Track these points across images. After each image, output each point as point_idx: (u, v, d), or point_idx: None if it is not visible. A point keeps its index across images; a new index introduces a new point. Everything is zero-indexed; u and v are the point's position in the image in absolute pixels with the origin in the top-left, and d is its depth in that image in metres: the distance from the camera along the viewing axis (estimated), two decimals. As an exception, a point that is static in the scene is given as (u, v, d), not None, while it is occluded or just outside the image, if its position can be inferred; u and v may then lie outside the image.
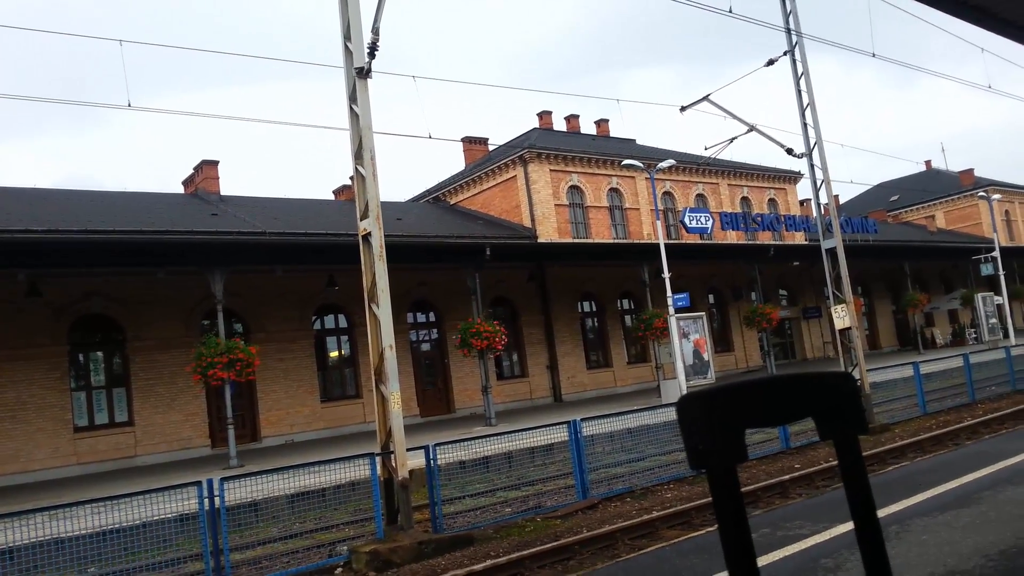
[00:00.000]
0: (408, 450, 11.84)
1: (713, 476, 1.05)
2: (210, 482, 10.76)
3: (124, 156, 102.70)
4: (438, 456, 12.61)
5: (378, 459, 11.91)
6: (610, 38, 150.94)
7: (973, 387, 22.54)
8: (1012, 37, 7.75)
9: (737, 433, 1.06)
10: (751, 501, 12.30)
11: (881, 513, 9.30)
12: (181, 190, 32.63)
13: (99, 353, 24.67)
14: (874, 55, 21.53)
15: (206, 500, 10.60)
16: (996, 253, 40.32)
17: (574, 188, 36.12)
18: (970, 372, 22.71)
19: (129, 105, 16.29)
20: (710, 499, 1.08)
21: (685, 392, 1.13)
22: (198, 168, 31.68)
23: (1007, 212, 60.56)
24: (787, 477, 13.35)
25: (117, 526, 10.43)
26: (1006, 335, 39.51)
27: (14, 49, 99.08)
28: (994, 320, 40.60)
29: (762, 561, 7.76)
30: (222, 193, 30.68)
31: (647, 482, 14.36)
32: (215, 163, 31.51)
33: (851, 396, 1.17)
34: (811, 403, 1.16)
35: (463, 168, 41.13)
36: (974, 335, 44.68)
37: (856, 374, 19.73)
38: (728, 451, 1.05)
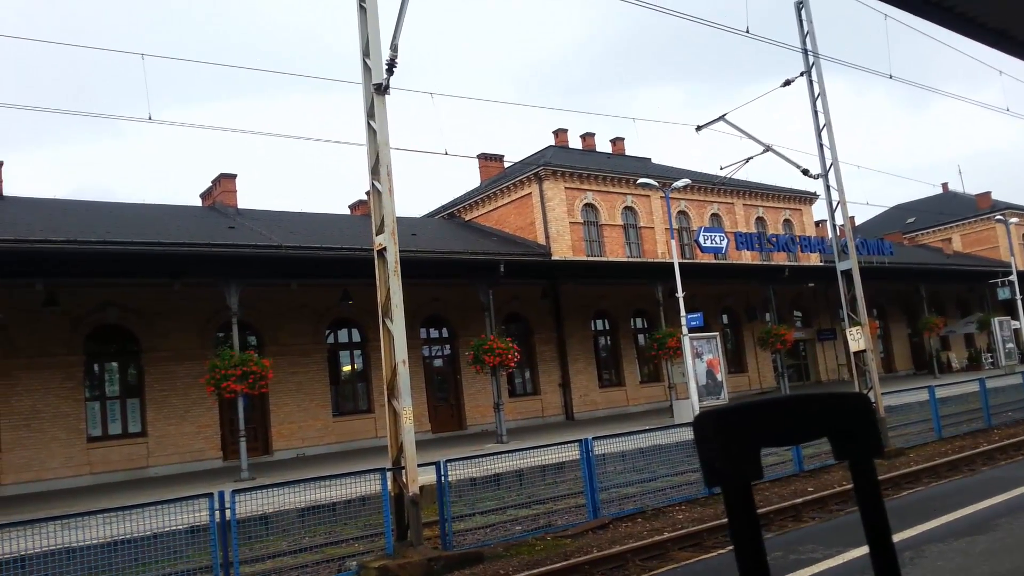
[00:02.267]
0: (419, 466, 11.83)
1: (729, 494, 1.04)
2: (221, 494, 10.77)
3: (142, 168, 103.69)
4: (449, 472, 12.58)
5: (389, 474, 11.90)
6: (625, 55, 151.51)
7: (989, 412, 22.33)
8: (1032, 60, 7.73)
9: (753, 451, 1.05)
10: (764, 524, 12.21)
11: (895, 538, 9.19)
12: (199, 203, 32.88)
13: (114, 363, 24.82)
14: (891, 76, 21.51)
15: (217, 512, 10.61)
16: (1013, 277, 40.04)
17: (589, 206, 36.17)
18: (986, 397, 22.49)
19: (150, 118, 16.49)
20: (723, 521, 1.08)
21: (700, 411, 1.13)
22: (216, 181, 31.94)
23: (1024, 236, 60.15)
24: (800, 500, 13.25)
25: (128, 536, 10.47)
26: (1023, 360, 39.15)
27: (36, 60, 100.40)
28: (1011, 345, 40.27)
29: (774, 585, 7.71)
30: (239, 206, 30.89)
31: (659, 502, 14.27)
32: (233, 176, 31.76)
33: (867, 418, 1.16)
34: (827, 424, 1.16)
35: (478, 184, 41.28)
36: (991, 360, 44.29)
37: (871, 397, 19.59)
38: (744, 469, 1.04)
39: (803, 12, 20.77)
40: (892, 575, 1.14)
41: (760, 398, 1.14)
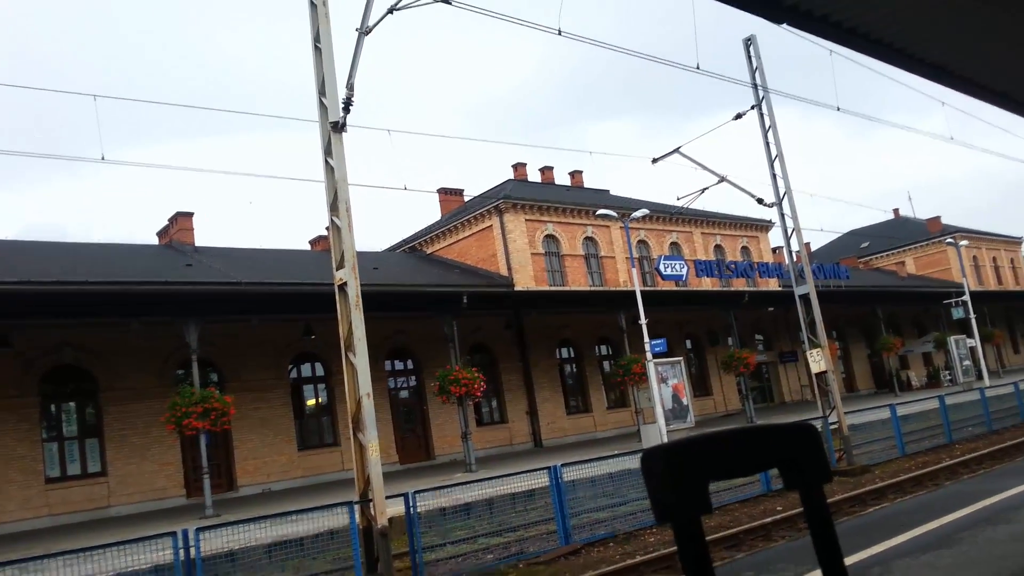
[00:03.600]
0: (387, 497, 11.72)
1: (678, 528, 1.05)
2: (185, 532, 10.58)
3: (97, 207, 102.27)
4: (418, 503, 12.50)
5: (357, 507, 11.78)
6: (578, 90, 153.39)
7: (950, 428, 22.73)
8: (969, 93, 8.02)
9: (701, 485, 1.06)
10: (734, 544, 12.26)
11: (863, 555, 9.34)
12: (156, 241, 32.47)
13: (71, 404, 24.27)
14: (838, 108, 22.05)
15: (181, 551, 10.41)
16: (966, 297, 40.95)
17: (550, 237, 36.38)
18: (946, 414, 22.91)
19: (103, 158, 16.39)
20: None
21: (649, 443, 1.12)
22: (172, 219, 31.57)
23: (975, 257, 61.68)
24: (769, 520, 13.34)
25: (90, 579, 10.19)
26: (980, 377, 39.95)
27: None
28: (968, 362, 41.08)
29: (747, 602, 7.74)
30: (197, 244, 30.56)
31: (630, 526, 14.27)
32: (190, 215, 31.42)
33: (815, 447, 1.18)
34: (775, 454, 1.17)
35: (439, 219, 41.33)
36: (949, 377, 45.12)
37: (834, 416, 19.85)
38: (692, 503, 1.05)
39: (751, 48, 21.31)
40: None
41: (707, 432, 1.14)
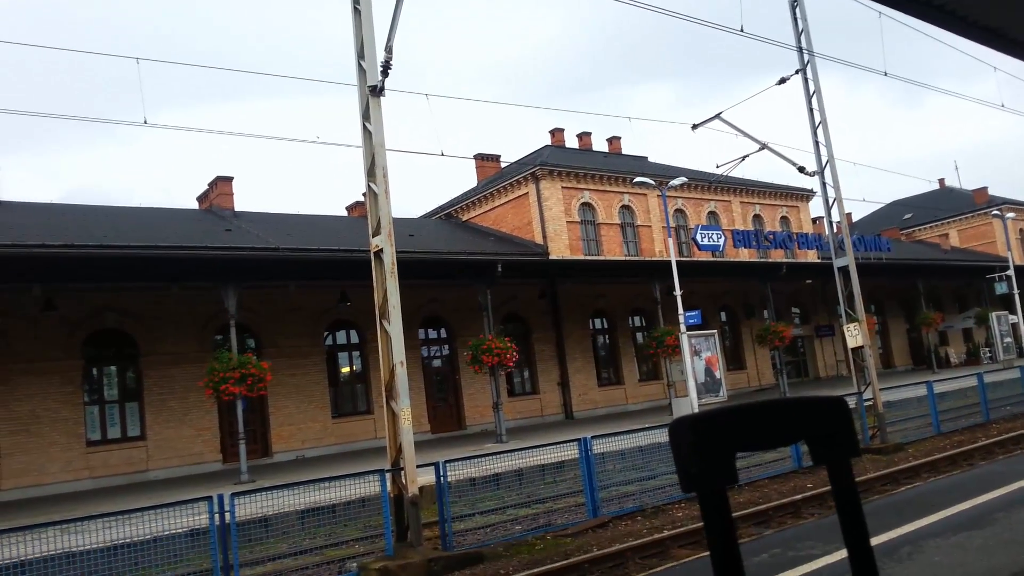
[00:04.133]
0: (418, 467, 11.84)
1: (703, 499, 1.05)
2: (220, 497, 10.77)
3: (138, 171, 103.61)
4: (448, 473, 12.59)
5: (388, 476, 11.91)
6: (617, 53, 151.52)
7: (988, 407, 22.36)
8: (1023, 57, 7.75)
9: (728, 456, 1.06)
10: (763, 521, 12.23)
11: (894, 534, 9.27)
12: (196, 206, 32.85)
13: (112, 367, 24.81)
14: (886, 74, 21.58)
15: (216, 515, 10.61)
16: (1011, 272, 40.10)
17: (586, 205, 36.19)
18: (984, 391, 22.53)
19: (145, 122, 16.51)
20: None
21: (680, 415, 1.15)
22: (212, 184, 31.91)
23: (1021, 231, 60.22)
24: (799, 497, 13.26)
25: (128, 541, 10.45)
26: (1021, 354, 39.23)
27: (31, 65, 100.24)
28: (1009, 339, 40.34)
29: (773, 582, 7.73)
30: (236, 209, 30.87)
31: (658, 500, 14.28)
32: (229, 179, 31.73)
33: (844, 421, 1.17)
34: (804, 428, 1.17)
35: (475, 185, 41.28)
36: (989, 354, 44.36)
37: (869, 393, 19.63)
38: (718, 474, 1.05)
39: (797, 10, 20.81)
40: (869, 572, 1.15)
41: (736, 403, 1.15)
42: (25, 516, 15.14)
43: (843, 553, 1.16)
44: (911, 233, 61.67)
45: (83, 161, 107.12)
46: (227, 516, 10.68)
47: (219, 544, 10.49)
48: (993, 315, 40.30)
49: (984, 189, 62.57)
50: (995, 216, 49.45)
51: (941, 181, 67.86)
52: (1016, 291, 40.04)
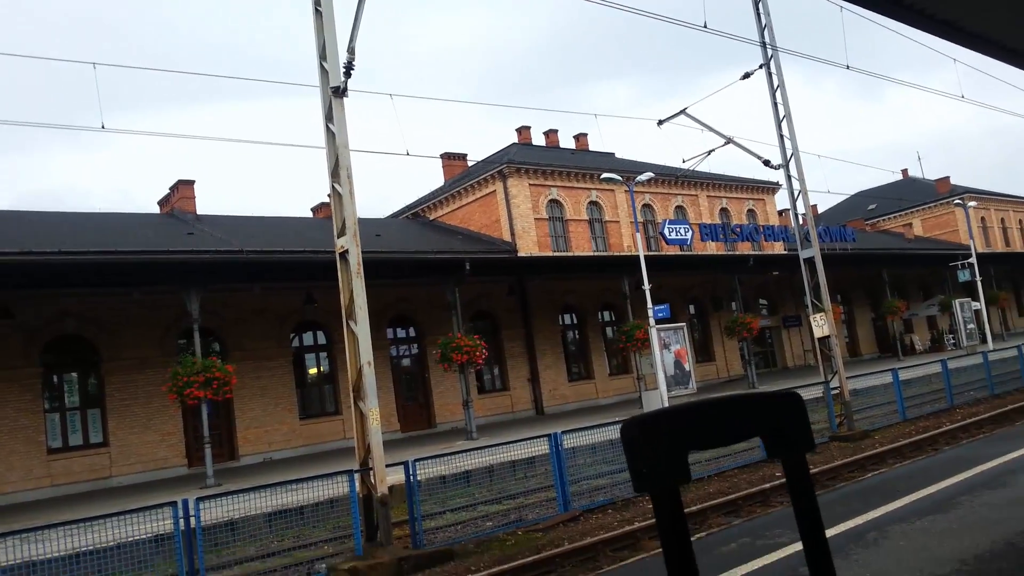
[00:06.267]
0: (388, 466, 11.75)
1: (656, 499, 1.05)
2: (185, 502, 10.61)
3: (96, 175, 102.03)
4: (418, 471, 12.52)
5: (357, 476, 11.81)
6: (581, 51, 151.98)
7: (952, 392, 22.68)
8: (981, 50, 7.83)
9: (680, 455, 1.06)
10: (732, 510, 12.28)
11: (860, 519, 9.33)
12: (157, 210, 32.40)
13: (73, 374, 24.35)
14: (848, 67, 21.75)
15: (181, 520, 10.45)
16: (973, 259, 40.75)
17: (554, 202, 36.20)
18: (948, 378, 22.85)
19: (103, 127, 16.26)
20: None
21: (649, 408, 1.13)
22: (174, 188, 31.49)
23: (983, 219, 61.27)
24: (768, 485, 13.33)
25: (91, 548, 10.27)
26: (984, 340, 39.87)
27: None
28: (972, 326, 40.97)
29: (741, 570, 7.74)
30: (198, 212, 30.50)
31: (629, 493, 14.28)
32: (191, 183, 31.33)
33: (799, 416, 1.18)
34: (759, 424, 1.17)
35: (442, 184, 41.14)
36: (953, 341, 45.04)
37: (836, 382, 19.82)
38: (670, 473, 1.05)
39: (760, 5, 20.93)
40: (825, 567, 1.15)
41: (690, 401, 1.13)
42: (-15, 527, 14.80)
43: None
44: (875, 223, 62.48)
45: (36, 166, 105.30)
46: (192, 521, 10.52)
47: (184, 549, 10.34)
48: (956, 302, 40.92)
49: (946, 179, 63.58)
50: (957, 205, 50.36)
51: (904, 172, 68.87)
52: (979, 278, 40.70)
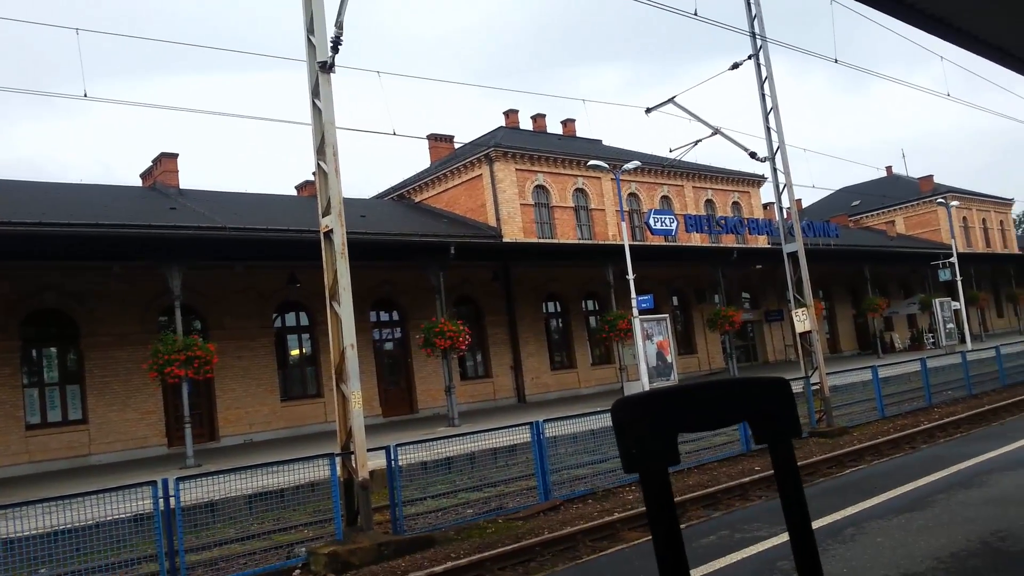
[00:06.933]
0: (369, 450, 11.72)
1: (645, 479, 1.06)
2: (165, 482, 10.55)
3: (75, 146, 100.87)
4: (399, 457, 12.50)
5: (338, 460, 11.77)
6: (572, 34, 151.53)
7: (930, 391, 22.90)
8: (969, 48, 7.85)
9: (670, 437, 1.07)
10: (711, 503, 12.37)
11: (838, 515, 9.42)
12: (139, 183, 32.07)
13: (52, 349, 24.12)
14: (836, 61, 21.82)
15: (161, 500, 10.40)
16: (954, 259, 41.10)
17: (540, 188, 36.14)
18: (927, 377, 23.06)
19: (85, 95, 16.06)
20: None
21: (626, 395, 1.16)
22: (156, 161, 31.17)
23: (965, 219, 61.79)
24: (747, 479, 13.43)
25: (70, 526, 10.19)
26: (963, 340, 40.25)
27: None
28: (951, 325, 41.36)
29: (720, 563, 7.78)
30: (181, 187, 30.22)
31: (609, 484, 14.36)
32: (174, 156, 31.02)
33: (786, 401, 1.19)
34: (747, 408, 1.18)
35: (428, 166, 40.97)
36: (932, 340, 45.47)
37: (816, 377, 19.96)
38: (661, 454, 1.06)
39: (751, -4, 20.91)
40: (809, 550, 1.17)
41: (679, 384, 1.15)
42: (-40, 502, 14.67)
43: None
44: (859, 220, 62.86)
45: (13, 134, 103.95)
46: (172, 501, 10.46)
47: (164, 529, 10.28)
48: (936, 301, 41.29)
49: (930, 177, 64.01)
50: (940, 204, 50.69)
51: (888, 169, 69.24)
52: (959, 278, 41.06)
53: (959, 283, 41.12)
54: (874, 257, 45.16)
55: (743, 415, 1.18)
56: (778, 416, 1.18)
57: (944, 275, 42.07)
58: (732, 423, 1.18)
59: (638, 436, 1.05)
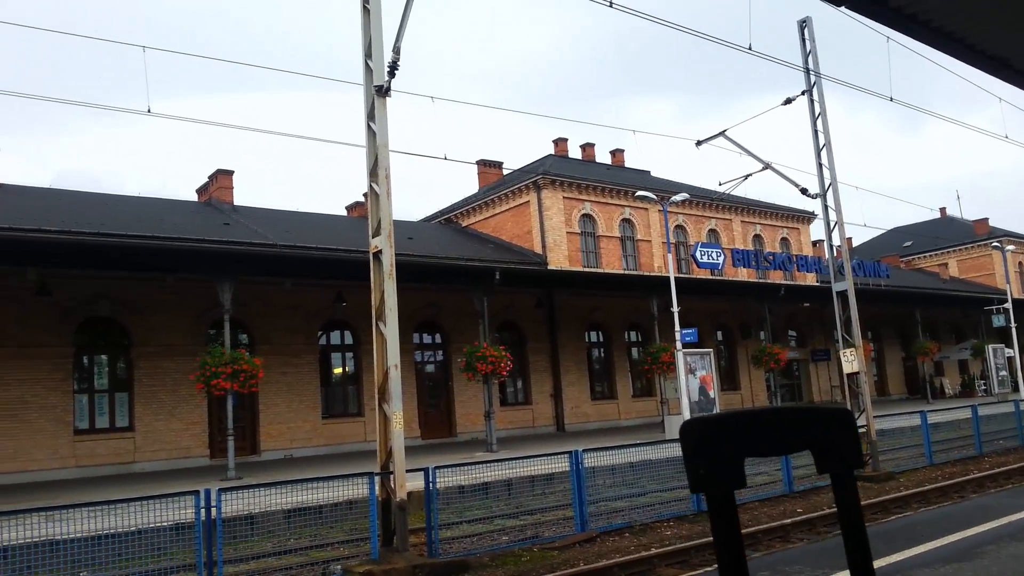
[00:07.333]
0: (408, 471, 11.74)
1: (712, 500, 1.07)
2: (207, 492, 10.67)
3: (133, 159, 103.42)
4: (437, 479, 12.49)
5: (377, 479, 11.80)
6: (624, 65, 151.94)
7: (981, 440, 22.29)
8: (1031, 90, 7.71)
9: (737, 460, 1.08)
10: (751, 543, 12.14)
11: (882, 562, 9.19)
12: (195, 197, 32.81)
13: (104, 356, 24.67)
14: (892, 99, 21.56)
15: (203, 510, 10.51)
16: (1008, 305, 40.11)
17: (587, 217, 36.16)
18: (978, 424, 22.46)
19: (149, 111, 16.45)
20: (710, 539, 1.11)
21: (696, 415, 1.20)
22: (213, 177, 31.87)
23: (1020, 263, 60.32)
24: (789, 521, 13.18)
25: (112, 531, 10.35)
26: (1016, 388, 39.19)
27: (37, 49, 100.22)
28: (1004, 372, 40.31)
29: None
30: (235, 203, 30.82)
31: (647, 518, 14.19)
32: (230, 173, 31.70)
33: (849, 432, 1.20)
34: (810, 436, 1.19)
35: (476, 191, 41.26)
36: (984, 387, 44.33)
37: (863, 420, 19.56)
38: (728, 477, 1.07)
39: (806, 31, 20.83)
40: (867, 568, 1.18)
41: (746, 408, 1.16)
42: (8, 502, 15.00)
43: None
44: (910, 261, 61.73)
45: (73, 146, 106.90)
46: (213, 512, 10.57)
47: (204, 539, 10.38)
48: (989, 347, 40.30)
49: (985, 220, 62.72)
50: (995, 248, 49.58)
51: (942, 210, 68.01)
52: (1014, 324, 40.03)
53: (1013, 329, 40.07)
54: (926, 299, 44.27)
55: (807, 443, 1.19)
56: (841, 446, 1.18)
57: (998, 321, 41.06)
58: (796, 450, 1.19)
59: (707, 458, 1.07)
